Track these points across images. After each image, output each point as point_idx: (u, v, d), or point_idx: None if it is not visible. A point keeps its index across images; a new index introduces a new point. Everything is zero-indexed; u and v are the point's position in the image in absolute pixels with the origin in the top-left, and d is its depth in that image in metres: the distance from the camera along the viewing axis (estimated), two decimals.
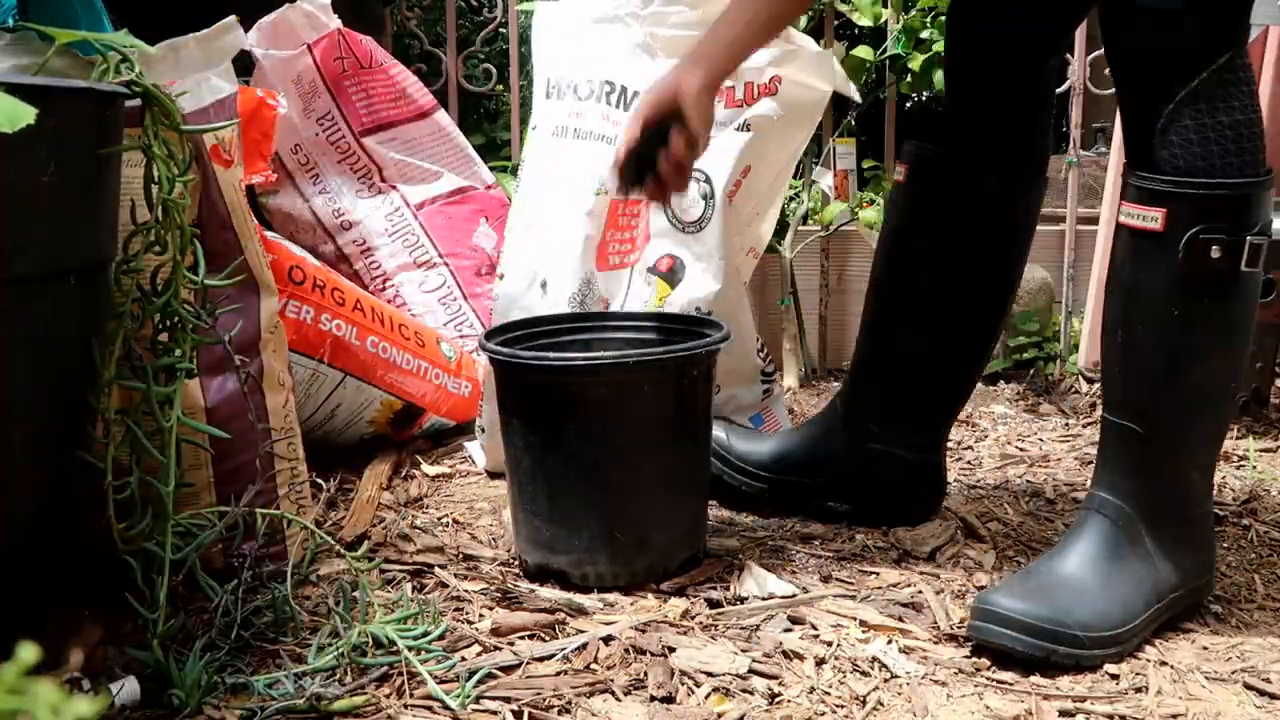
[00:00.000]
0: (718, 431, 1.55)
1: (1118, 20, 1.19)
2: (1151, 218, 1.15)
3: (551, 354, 1.34)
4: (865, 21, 2.31)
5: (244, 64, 1.87)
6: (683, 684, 1.08)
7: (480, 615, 1.23)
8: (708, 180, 1.64)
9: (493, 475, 1.75)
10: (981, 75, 1.44)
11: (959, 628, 1.20)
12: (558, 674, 1.09)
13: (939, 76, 2.24)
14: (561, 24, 1.75)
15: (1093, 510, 1.22)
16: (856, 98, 1.93)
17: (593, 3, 1.72)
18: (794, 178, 2.24)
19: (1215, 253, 1.13)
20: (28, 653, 0.41)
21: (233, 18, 1.28)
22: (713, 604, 1.26)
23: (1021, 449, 1.92)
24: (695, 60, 1.33)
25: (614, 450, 1.30)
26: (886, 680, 1.10)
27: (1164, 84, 1.15)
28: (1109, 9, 1.19)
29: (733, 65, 1.37)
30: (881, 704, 1.05)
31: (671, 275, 1.66)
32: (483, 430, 1.75)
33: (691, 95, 1.30)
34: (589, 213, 1.67)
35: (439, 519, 1.56)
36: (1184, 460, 1.21)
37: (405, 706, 1.03)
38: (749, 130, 1.64)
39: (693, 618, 1.23)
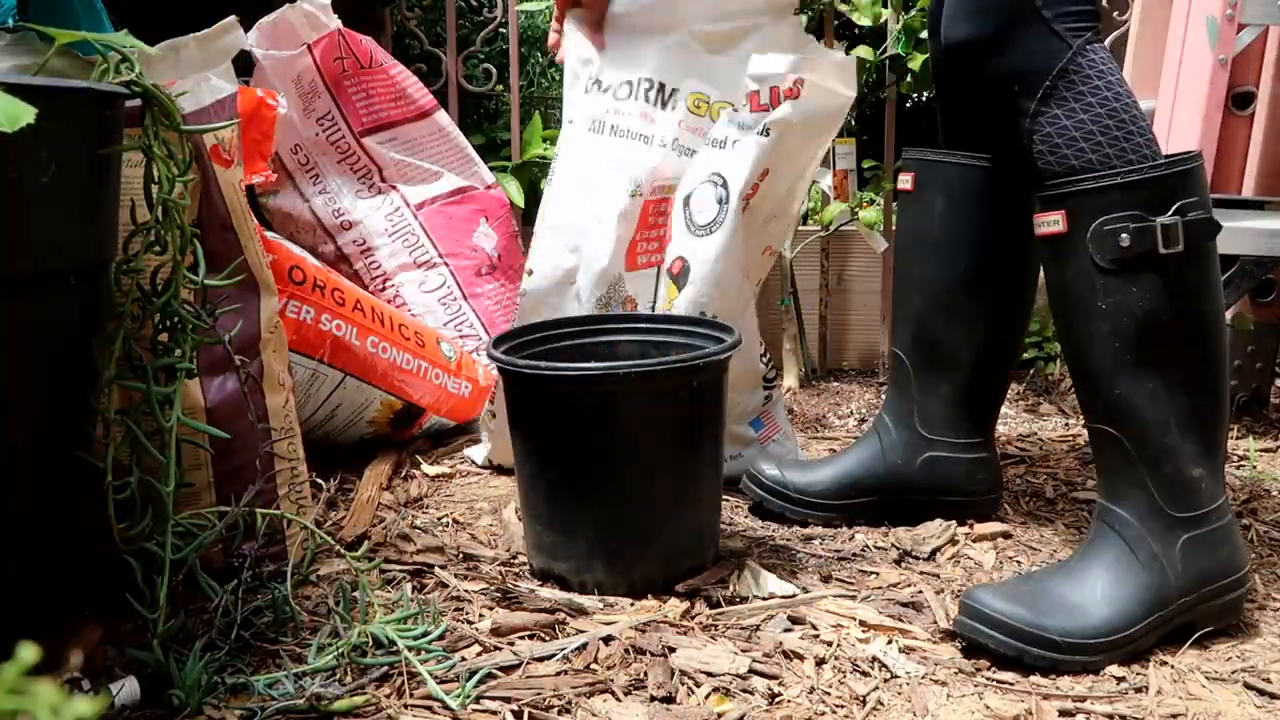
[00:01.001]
0: (770, 469, 1.56)
1: (945, 56, 1.22)
2: (1054, 221, 1.18)
3: (544, 362, 1.33)
4: (865, 21, 2.31)
5: (244, 64, 1.87)
6: (683, 684, 1.08)
7: (480, 615, 1.23)
8: (724, 184, 1.63)
9: (495, 471, 1.75)
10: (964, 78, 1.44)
11: None
12: (558, 674, 1.10)
13: None
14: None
15: (1100, 521, 1.21)
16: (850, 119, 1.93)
17: None
18: None
19: (1125, 240, 1.14)
20: (28, 653, 0.41)
21: (233, 18, 1.28)
22: (713, 604, 1.26)
23: (1021, 449, 1.92)
24: None
25: (610, 459, 1.29)
26: (886, 680, 1.10)
27: (1012, 103, 1.20)
28: (934, 50, 1.22)
29: None
30: (881, 704, 1.06)
31: (681, 278, 1.65)
32: (494, 416, 1.74)
33: None
34: (622, 214, 1.66)
35: (439, 519, 1.56)
36: (1172, 456, 1.18)
37: (405, 706, 1.03)
38: (769, 134, 1.63)
39: (693, 618, 1.23)
